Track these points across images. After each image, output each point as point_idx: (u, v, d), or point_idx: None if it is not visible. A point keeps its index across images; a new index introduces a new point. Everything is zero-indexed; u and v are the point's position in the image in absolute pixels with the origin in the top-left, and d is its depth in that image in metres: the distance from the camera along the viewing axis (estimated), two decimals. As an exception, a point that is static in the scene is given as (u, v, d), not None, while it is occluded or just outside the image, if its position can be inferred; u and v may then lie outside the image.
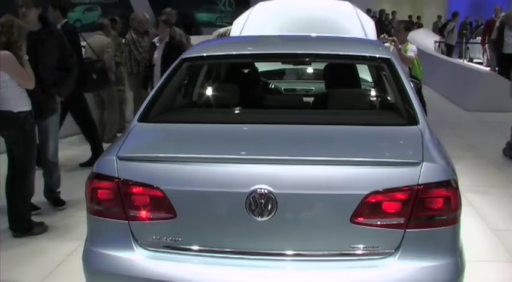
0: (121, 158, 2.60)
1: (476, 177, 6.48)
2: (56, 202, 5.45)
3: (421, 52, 13.46)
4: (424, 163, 2.47)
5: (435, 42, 19.17)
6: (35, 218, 4.92)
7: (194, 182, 2.50)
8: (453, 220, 2.54)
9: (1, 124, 4.63)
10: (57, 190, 5.49)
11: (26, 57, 4.56)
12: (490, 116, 9.12)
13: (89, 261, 2.71)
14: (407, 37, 7.22)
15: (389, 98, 3.61)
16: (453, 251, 2.57)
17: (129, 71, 8.12)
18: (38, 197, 5.32)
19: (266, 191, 2.41)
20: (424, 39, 18.20)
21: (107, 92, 7.80)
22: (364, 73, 4.97)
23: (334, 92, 3.85)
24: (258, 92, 4.32)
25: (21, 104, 4.62)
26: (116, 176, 2.57)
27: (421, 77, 6.79)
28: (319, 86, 5.33)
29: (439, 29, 20.76)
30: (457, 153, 7.09)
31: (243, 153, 2.58)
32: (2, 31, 4.46)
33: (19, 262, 4.26)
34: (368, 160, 2.49)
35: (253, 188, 2.42)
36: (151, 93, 3.32)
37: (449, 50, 18.28)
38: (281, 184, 2.43)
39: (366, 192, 2.42)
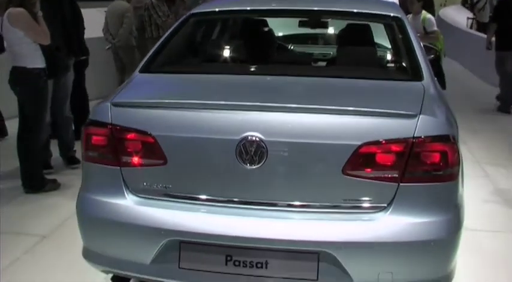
0: (115, 104, 2.59)
1: (496, 150, 6.37)
2: (71, 160, 5.51)
3: (451, 27, 13.15)
4: (421, 116, 2.39)
5: (468, 18, 18.71)
6: (48, 176, 4.98)
7: (185, 128, 2.48)
8: (450, 176, 2.45)
9: (15, 79, 4.68)
10: (74, 148, 5.54)
11: (40, 14, 4.59)
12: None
13: (81, 207, 2.72)
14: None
15: (397, 56, 3.52)
16: (448, 208, 2.48)
17: (149, 36, 8.11)
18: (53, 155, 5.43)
19: (257, 139, 2.37)
20: (456, 16, 17.82)
21: (128, 56, 7.81)
22: (382, 36, 4.84)
23: (343, 49, 3.77)
24: (266, 49, 4.22)
25: (35, 61, 4.65)
26: (110, 122, 2.56)
27: (441, 47, 6.62)
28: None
29: (470, 6, 20.11)
30: (478, 127, 7.15)
31: (234, 99, 2.53)
32: None
33: (28, 216, 4.34)
34: (362, 110, 2.41)
35: (243, 135, 2.38)
36: (156, 46, 3.29)
37: (482, 27, 17.78)
38: (272, 132, 2.38)
39: (359, 142, 2.35)
